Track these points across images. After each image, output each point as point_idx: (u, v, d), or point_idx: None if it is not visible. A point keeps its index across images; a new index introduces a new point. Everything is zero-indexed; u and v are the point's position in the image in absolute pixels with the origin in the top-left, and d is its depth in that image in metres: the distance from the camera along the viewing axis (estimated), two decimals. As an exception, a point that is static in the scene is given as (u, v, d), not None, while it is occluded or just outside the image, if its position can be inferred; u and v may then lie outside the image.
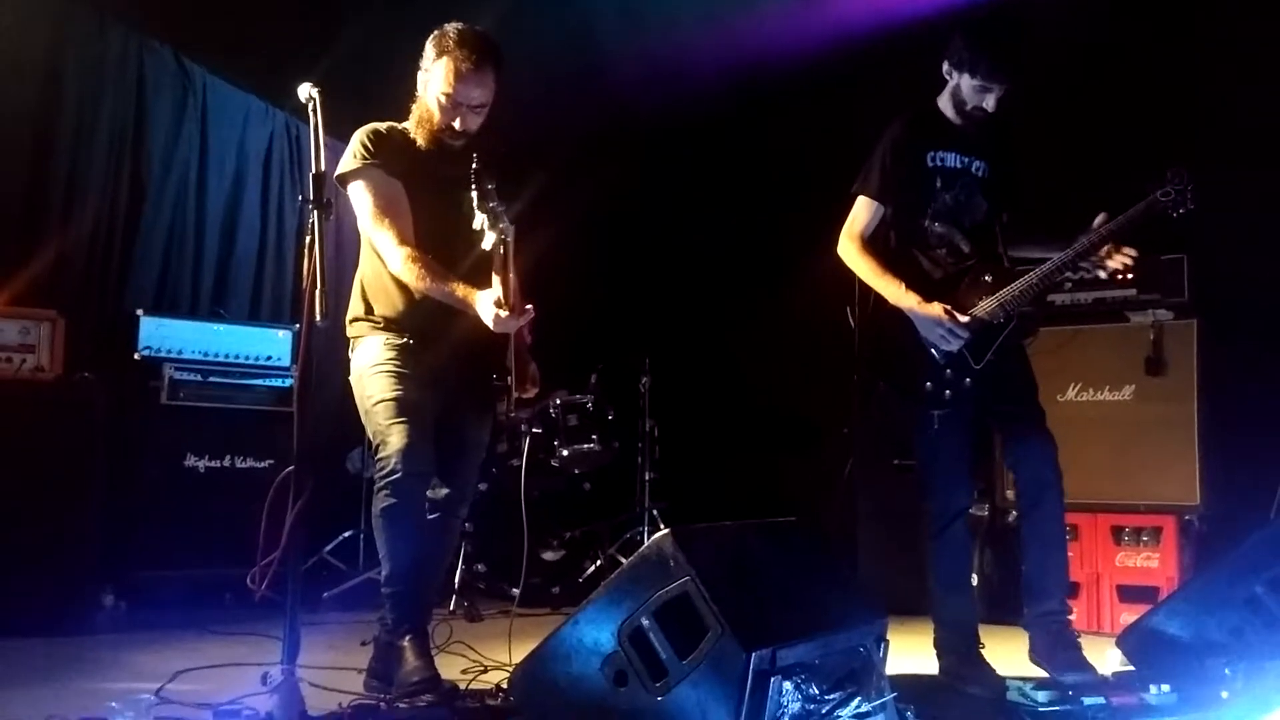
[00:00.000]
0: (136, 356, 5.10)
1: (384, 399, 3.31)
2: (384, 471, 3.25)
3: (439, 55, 3.36)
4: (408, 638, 3.30)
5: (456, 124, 3.39)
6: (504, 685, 3.25)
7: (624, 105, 6.23)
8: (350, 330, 3.49)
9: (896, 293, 3.71)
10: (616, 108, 6.24)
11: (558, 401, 5.85)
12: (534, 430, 5.76)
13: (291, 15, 5.27)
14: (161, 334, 5.17)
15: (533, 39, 5.25)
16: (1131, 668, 3.49)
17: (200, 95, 5.93)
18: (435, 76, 3.38)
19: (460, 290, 3.23)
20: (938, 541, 3.78)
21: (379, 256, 3.40)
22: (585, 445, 5.81)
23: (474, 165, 3.12)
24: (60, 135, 5.22)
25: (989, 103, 3.74)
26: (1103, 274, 3.80)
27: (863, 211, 3.83)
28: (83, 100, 5.32)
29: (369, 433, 3.38)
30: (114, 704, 2.56)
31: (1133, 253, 3.68)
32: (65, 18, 5.27)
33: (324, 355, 3.80)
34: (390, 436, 3.26)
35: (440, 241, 3.38)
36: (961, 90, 3.76)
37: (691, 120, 6.51)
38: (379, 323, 3.41)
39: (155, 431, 5.07)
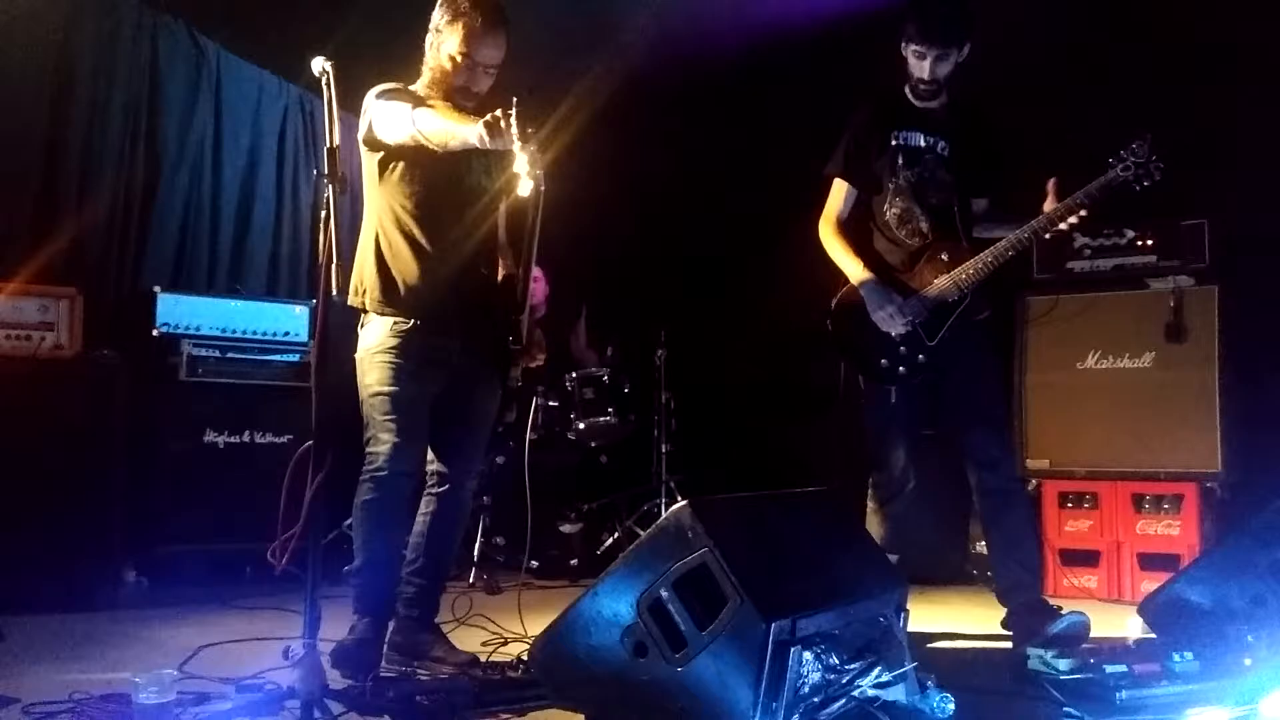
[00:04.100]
0: (155, 333, 5.10)
1: (381, 392, 3.33)
2: (371, 466, 3.32)
3: (454, 18, 3.34)
4: (365, 620, 3.34)
5: (472, 85, 3.38)
6: (524, 657, 3.27)
7: (635, 77, 6.18)
8: (364, 302, 3.42)
9: (856, 272, 3.85)
10: (629, 79, 6.19)
11: (574, 374, 5.84)
12: (550, 404, 5.75)
13: (304, -11, 5.24)
14: (179, 310, 5.17)
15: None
16: (1153, 635, 3.48)
17: (214, 70, 5.89)
18: (450, 38, 3.35)
19: (468, 122, 3.03)
20: (881, 514, 3.90)
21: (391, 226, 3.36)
22: (602, 418, 5.80)
23: (515, 100, 2.91)
24: (75, 113, 5.18)
25: (925, 70, 3.80)
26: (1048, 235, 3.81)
27: (837, 194, 4.01)
28: (97, 77, 5.28)
29: (364, 416, 3.38)
30: (137, 679, 2.56)
31: (1082, 213, 3.71)
32: (77, -7, 5.25)
33: (341, 330, 3.81)
34: (382, 433, 3.31)
35: (450, 203, 3.39)
36: (908, 65, 3.82)
37: (704, 93, 6.46)
38: (386, 301, 3.37)
39: (174, 408, 5.07)
